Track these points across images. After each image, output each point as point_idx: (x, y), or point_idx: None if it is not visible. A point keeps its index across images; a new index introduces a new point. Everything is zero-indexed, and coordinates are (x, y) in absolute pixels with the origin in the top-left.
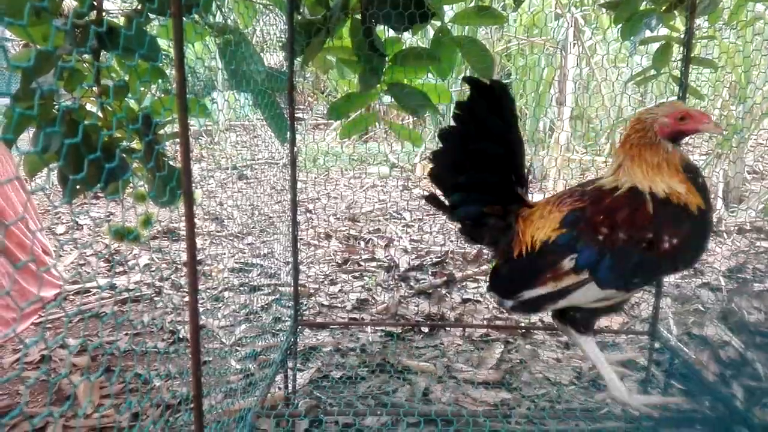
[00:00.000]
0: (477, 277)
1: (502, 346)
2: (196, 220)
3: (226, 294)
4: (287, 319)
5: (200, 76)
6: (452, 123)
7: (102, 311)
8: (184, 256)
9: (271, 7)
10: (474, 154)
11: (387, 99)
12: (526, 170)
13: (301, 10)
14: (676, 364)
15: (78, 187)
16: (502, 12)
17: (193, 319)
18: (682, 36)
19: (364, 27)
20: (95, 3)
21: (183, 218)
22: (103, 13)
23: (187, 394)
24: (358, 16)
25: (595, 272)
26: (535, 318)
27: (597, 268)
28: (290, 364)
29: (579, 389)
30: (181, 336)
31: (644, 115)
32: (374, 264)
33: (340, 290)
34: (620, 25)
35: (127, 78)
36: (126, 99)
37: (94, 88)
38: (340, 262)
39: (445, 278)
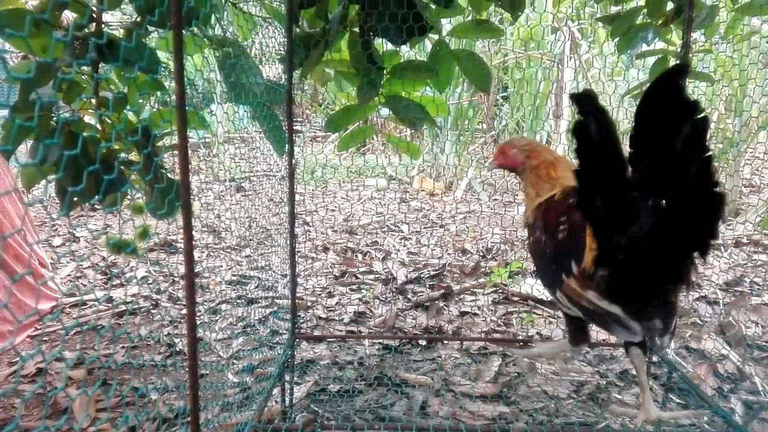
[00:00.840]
0: (475, 290)
1: (500, 360)
2: (193, 233)
3: (223, 307)
4: (284, 332)
5: (199, 88)
6: None
7: (99, 324)
8: (182, 269)
9: (270, 20)
10: None
11: (385, 111)
12: None
13: (300, 23)
14: (674, 377)
15: (76, 199)
16: (500, 26)
17: (190, 332)
18: (679, 50)
19: (363, 40)
20: (95, 15)
21: (181, 230)
22: (103, 25)
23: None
24: (357, 30)
25: None
26: (532, 331)
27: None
28: (287, 378)
29: (577, 403)
30: (178, 349)
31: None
32: (372, 277)
33: (337, 303)
34: (617, 39)
35: (126, 90)
36: (125, 111)
37: (92, 100)
38: (337, 274)
39: (442, 291)
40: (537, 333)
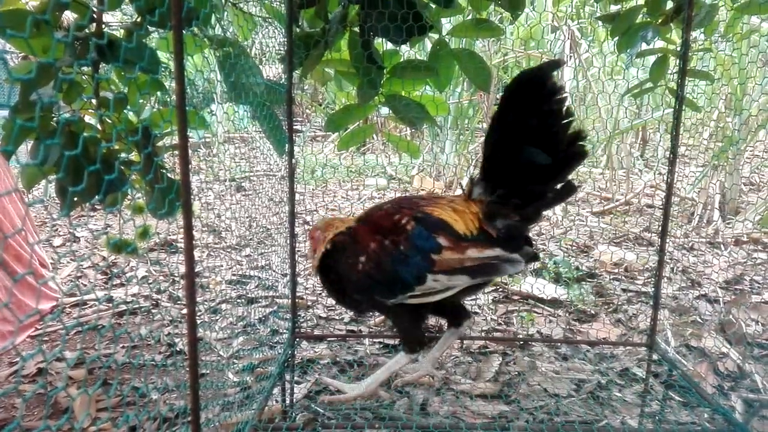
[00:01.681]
0: None
1: (500, 358)
2: (194, 233)
3: (223, 306)
4: (285, 331)
5: (199, 88)
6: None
7: (99, 324)
8: (182, 268)
9: (270, 20)
10: None
11: (385, 111)
12: None
13: (300, 23)
14: (674, 375)
15: (76, 199)
16: (500, 25)
17: (190, 331)
18: (679, 48)
19: (363, 40)
20: (95, 15)
21: (181, 230)
22: (103, 26)
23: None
24: (357, 29)
25: None
26: (533, 329)
27: None
28: (288, 377)
29: (577, 401)
30: (178, 349)
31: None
32: None
33: None
34: (617, 38)
35: (126, 90)
36: (125, 111)
37: (93, 101)
38: None
39: None
40: (537, 332)
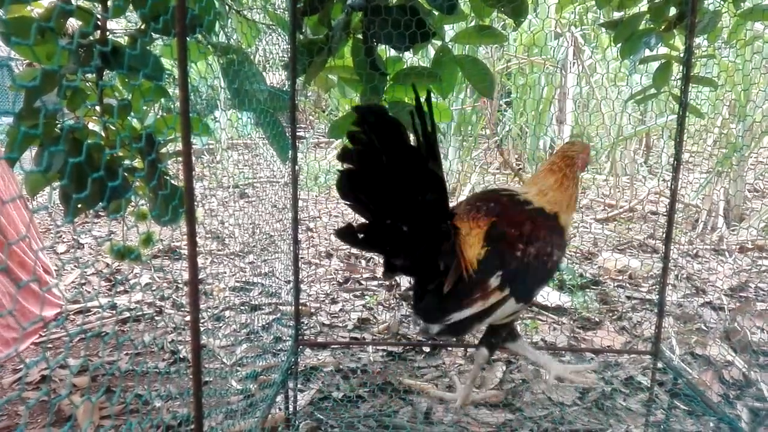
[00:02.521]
0: None
1: (504, 366)
2: (197, 239)
3: (226, 313)
4: (288, 338)
5: (203, 95)
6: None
7: (103, 331)
8: (186, 275)
9: (273, 27)
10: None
11: None
12: None
13: (304, 30)
14: (679, 384)
15: (80, 205)
16: (503, 31)
17: (194, 338)
18: (682, 55)
19: (366, 46)
20: (100, 23)
21: (185, 237)
22: (108, 33)
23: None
24: (360, 36)
25: (514, 286)
26: (537, 337)
27: (515, 283)
28: (291, 385)
29: (582, 410)
30: (181, 356)
31: (569, 150)
32: (375, 283)
33: (341, 309)
34: (620, 45)
35: (130, 97)
36: (129, 118)
37: (97, 107)
38: (341, 281)
39: None
40: (541, 339)
